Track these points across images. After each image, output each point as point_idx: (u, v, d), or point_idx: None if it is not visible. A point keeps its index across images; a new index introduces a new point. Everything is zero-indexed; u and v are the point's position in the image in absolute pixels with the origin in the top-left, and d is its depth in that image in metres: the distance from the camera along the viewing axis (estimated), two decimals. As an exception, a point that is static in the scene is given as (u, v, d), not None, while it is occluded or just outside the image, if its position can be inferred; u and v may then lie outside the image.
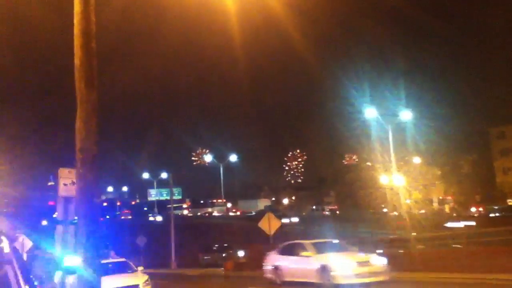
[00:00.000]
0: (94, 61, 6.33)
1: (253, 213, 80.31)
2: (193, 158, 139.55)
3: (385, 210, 47.83)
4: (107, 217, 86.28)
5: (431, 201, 62.47)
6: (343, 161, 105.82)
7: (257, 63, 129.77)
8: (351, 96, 38.79)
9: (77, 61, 6.26)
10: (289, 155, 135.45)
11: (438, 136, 48.60)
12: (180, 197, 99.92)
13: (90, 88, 6.21)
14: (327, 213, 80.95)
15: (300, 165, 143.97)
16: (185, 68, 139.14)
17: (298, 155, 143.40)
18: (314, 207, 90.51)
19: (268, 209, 77.09)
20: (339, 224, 51.50)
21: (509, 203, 56.41)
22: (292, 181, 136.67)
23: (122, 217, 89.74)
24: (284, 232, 30.12)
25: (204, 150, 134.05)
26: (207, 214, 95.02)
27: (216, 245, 40.00)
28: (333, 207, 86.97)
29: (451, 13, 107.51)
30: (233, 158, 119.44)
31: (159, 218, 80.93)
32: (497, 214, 48.81)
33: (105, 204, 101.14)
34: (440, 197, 67.48)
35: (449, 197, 66.63)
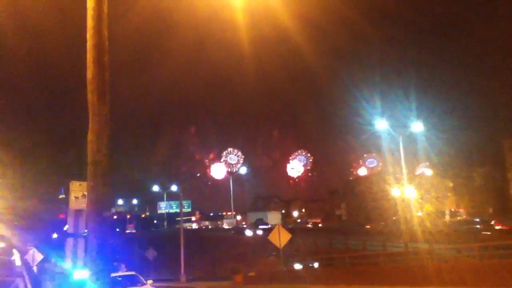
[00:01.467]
0: (107, 75, 6.37)
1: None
2: (197, 175, 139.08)
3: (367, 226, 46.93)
4: (117, 229, 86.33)
5: (443, 214, 61.77)
6: (354, 172, 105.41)
7: (267, 75, 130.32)
8: (361, 107, 38.85)
9: (89, 75, 6.30)
10: (292, 168, 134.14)
11: (450, 147, 48.25)
12: (189, 209, 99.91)
13: (102, 102, 6.24)
14: (309, 226, 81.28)
15: (310, 177, 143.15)
16: (196, 79, 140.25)
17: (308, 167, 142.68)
18: (299, 220, 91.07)
19: (260, 222, 79.54)
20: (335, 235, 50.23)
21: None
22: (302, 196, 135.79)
23: (127, 231, 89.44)
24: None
25: (214, 162, 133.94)
26: (203, 227, 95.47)
27: (274, 253, 39.21)
28: (316, 221, 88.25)
29: (464, 23, 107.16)
30: (243, 170, 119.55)
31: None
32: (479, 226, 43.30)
33: (115, 217, 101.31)
34: (453, 209, 66.67)
35: (461, 210, 65.79)
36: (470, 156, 59.05)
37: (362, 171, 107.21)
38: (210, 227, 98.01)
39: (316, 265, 28.51)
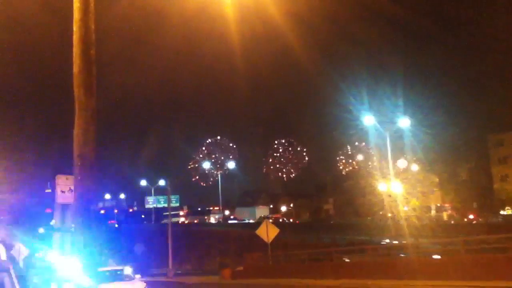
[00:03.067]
0: (93, 68, 6.32)
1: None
2: (186, 169, 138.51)
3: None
4: (104, 224, 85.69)
5: (429, 209, 62.55)
6: (341, 168, 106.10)
7: (256, 70, 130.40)
8: (349, 103, 39.14)
9: (76, 69, 6.26)
10: (274, 163, 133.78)
11: (436, 143, 48.87)
12: (177, 204, 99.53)
13: (88, 96, 6.21)
14: (270, 221, 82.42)
15: (298, 172, 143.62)
16: (184, 75, 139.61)
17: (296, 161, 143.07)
18: (263, 215, 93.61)
19: (228, 219, 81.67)
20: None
21: (507, 211, 56.38)
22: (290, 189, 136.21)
23: (110, 226, 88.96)
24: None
25: (202, 157, 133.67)
26: (180, 222, 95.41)
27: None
28: (277, 216, 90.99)
29: (451, 21, 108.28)
30: (231, 165, 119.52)
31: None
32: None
33: (102, 211, 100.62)
34: (438, 204, 67.48)
35: (447, 204, 66.62)
36: (456, 152, 59.88)
37: (349, 167, 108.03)
38: (195, 221, 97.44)
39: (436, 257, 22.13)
